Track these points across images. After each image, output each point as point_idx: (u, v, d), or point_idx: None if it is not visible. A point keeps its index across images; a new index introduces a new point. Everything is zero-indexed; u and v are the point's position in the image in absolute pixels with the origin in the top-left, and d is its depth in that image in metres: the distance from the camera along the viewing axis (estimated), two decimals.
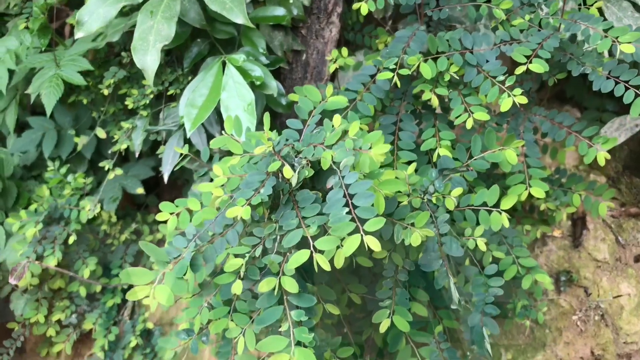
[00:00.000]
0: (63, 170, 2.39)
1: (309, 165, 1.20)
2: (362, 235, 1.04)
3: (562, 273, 2.17)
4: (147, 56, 1.61)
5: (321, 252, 1.09)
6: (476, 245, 1.75)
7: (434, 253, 1.41)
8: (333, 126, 1.25)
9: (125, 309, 2.30)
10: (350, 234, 1.04)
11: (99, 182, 2.49)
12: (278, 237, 1.18)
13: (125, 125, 2.08)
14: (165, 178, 1.93)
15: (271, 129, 1.34)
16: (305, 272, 1.45)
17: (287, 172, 1.12)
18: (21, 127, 2.61)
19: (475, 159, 1.64)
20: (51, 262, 2.07)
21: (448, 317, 1.71)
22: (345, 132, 1.22)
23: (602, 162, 1.71)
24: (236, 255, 1.18)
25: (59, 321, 2.26)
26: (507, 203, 1.58)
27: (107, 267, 2.35)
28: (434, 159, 1.70)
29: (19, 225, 2.15)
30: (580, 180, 1.96)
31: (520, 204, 2.01)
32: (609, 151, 2.50)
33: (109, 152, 2.19)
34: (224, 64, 1.77)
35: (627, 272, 2.23)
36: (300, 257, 1.08)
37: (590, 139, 1.74)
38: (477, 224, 1.60)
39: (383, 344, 1.75)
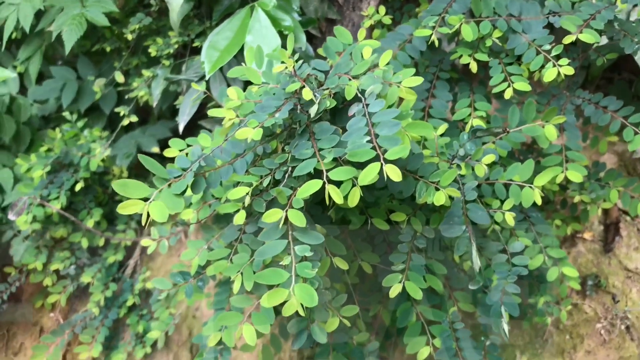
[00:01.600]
0: (80, 123, 2.32)
1: (332, 96, 1.09)
2: (382, 165, 0.93)
3: (590, 277, 2.03)
4: None
5: (335, 184, 0.98)
6: (503, 227, 1.64)
7: (457, 219, 1.29)
8: (363, 57, 1.14)
9: (127, 267, 2.21)
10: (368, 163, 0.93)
11: (115, 140, 2.42)
12: (289, 169, 1.08)
13: (146, 73, 2.00)
14: (181, 128, 1.85)
15: None
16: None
17: (307, 93, 1.01)
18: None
19: (511, 132, 1.53)
20: (55, 206, 1.99)
21: (464, 300, 1.59)
22: (375, 65, 1.11)
23: None
24: (240, 184, 1.08)
25: (57, 271, 2.18)
26: (542, 179, 1.46)
27: (113, 223, 2.26)
28: (466, 130, 1.59)
29: (27, 167, 2.08)
30: (619, 175, 1.83)
31: (553, 195, 1.87)
32: None
33: (126, 97, 2.11)
34: (252, 10, 1.68)
35: None
36: (311, 187, 0.98)
37: (637, 126, 1.61)
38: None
39: (391, 322, 1.63)
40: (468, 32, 1.53)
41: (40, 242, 2.15)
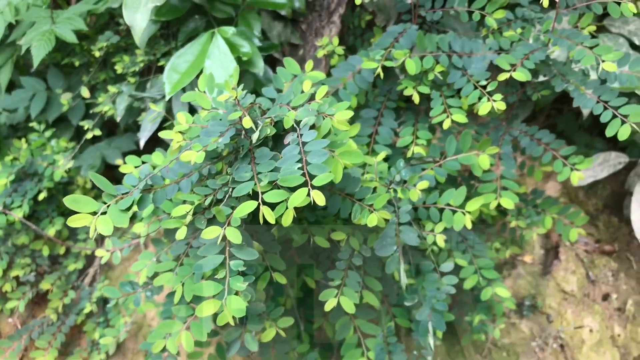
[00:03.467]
0: (48, 133, 2.39)
1: (273, 124, 1.20)
2: (309, 190, 1.03)
3: (527, 298, 2.15)
4: (137, 14, 1.62)
5: (269, 205, 1.08)
6: (440, 249, 1.74)
7: (390, 239, 1.40)
8: (302, 90, 1.25)
9: (86, 275, 2.27)
10: (298, 188, 1.04)
11: (81, 151, 2.49)
12: (230, 190, 1.17)
13: (112, 89, 2.08)
14: (142, 143, 1.93)
15: None
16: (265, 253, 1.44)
17: (247, 122, 1.11)
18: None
19: (448, 160, 1.64)
20: (18, 214, 2.06)
21: (401, 315, 1.69)
22: (313, 96, 1.22)
23: (575, 181, 1.70)
24: (185, 202, 1.18)
25: (17, 277, 2.23)
26: (473, 205, 1.58)
27: (75, 232, 2.33)
28: (408, 156, 1.70)
29: None
30: (555, 203, 1.96)
31: (491, 220, 1.99)
32: (590, 188, 2.51)
33: (91, 112, 2.18)
34: (212, 36, 1.78)
35: (594, 308, 2.21)
36: (247, 207, 1.07)
37: (566, 158, 1.74)
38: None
39: (333, 334, 1.72)
40: (412, 67, 1.65)
41: (1, 248, 2.21)
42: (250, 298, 1.10)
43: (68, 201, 1.07)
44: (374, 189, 1.50)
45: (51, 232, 2.16)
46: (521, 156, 2.10)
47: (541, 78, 1.88)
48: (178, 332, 1.20)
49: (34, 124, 2.37)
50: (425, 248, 1.72)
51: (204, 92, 1.37)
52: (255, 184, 1.11)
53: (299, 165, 1.07)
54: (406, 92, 1.70)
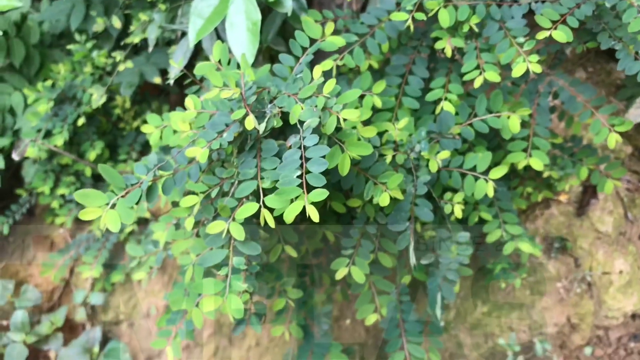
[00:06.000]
0: (89, 45, 2.39)
1: (280, 115, 1.17)
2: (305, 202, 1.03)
3: (557, 240, 2.14)
4: None
5: (270, 209, 1.09)
6: (465, 202, 1.73)
7: (404, 214, 1.39)
8: (312, 77, 1.20)
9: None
10: (295, 200, 1.04)
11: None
12: (236, 182, 1.18)
13: (143, 17, 2.05)
14: (171, 81, 1.92)
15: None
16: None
17: (249, 123, 1.10)
18: None
19: (476, 120, 1.58)
20: (59, 141, 2.13)
21: (420, 270, 1.72)
22: (321, 86, 1.17)
23: (612, 144, 1.62)
24: (193, 192, 1.20)
25: (62, 195, 2.36)
26: (497, 173, 1.54)
27: (116, 151, 2.41)
28: (437, 111, 1.64)
29: (34, 98, 2.20)
30: (594, 153, 1.87)
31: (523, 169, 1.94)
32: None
33: (122, 43, 2.17)
34: None
35: (628, 248, 2.18)
36: (248, 209, 1.09)
37: (605, 118, 1.64)
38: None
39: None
40: (445, 18, 1.54)
41: (48, 166, 2.32)
42: (253, 290, 1.14)
43: (78, 196, 1.11)
44: (393, 157, 1.47)
45: (91, 155, 2.24)
46: (561, 104, 1.99)
47: None
48: (191, 306, 1.27)
49: (76, 37, 2.38)
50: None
51: (218, 62, 1.34)
52: (257, 183, 1.11)
53: (299, 172, 1.06)
54: (437, 46, 1.60)
